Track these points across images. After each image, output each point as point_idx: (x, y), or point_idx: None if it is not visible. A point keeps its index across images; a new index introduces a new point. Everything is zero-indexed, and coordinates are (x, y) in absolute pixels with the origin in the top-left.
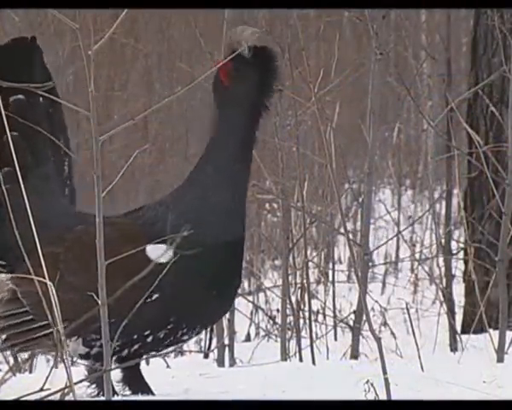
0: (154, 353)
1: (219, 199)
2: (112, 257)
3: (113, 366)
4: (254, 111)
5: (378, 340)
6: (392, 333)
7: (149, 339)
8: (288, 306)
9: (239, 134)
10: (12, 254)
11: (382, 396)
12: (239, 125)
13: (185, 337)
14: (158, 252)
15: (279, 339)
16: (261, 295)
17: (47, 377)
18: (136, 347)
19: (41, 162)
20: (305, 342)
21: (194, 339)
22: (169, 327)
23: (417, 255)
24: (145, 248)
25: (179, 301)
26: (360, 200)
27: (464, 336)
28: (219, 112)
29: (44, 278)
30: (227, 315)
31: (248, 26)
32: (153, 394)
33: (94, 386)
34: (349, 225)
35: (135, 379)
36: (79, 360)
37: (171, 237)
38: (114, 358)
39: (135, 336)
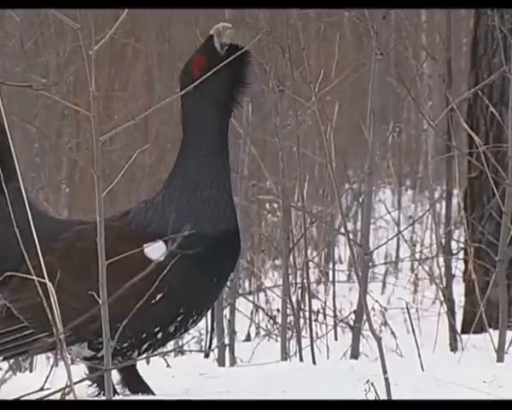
0: (153, 352)
1: (203, 193)
2: (115, 263)
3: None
4: (222, 105)
5: (378, 340)
6: (393, 333)
7: (159, 335)
8: (289, 305)
9: (207, 127)
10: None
11: (382, 396)
12: (206, 118)
13: (193, 326)
14: (157, 251)
15: (279, 339)
16: (261, 294)
17: (47, 377)
18: (145, 346)
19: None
20: (305, 341)
21: (194, 339)
22: (179, 319)
23: (417, 255)
24: (144, 249)
25: (185, 294)
26: (360, 200)
27: (464, 336)
28: (186, 104)
29: (38, 288)
30: (227, 315)
31: (235, 24)
32: (153, 393)
33: (95, 386)
34: (349, 225)
35: (133, 380)
36: (83, 362)
37: (170, 237)
38: (125, 359)
39: (144, 335)
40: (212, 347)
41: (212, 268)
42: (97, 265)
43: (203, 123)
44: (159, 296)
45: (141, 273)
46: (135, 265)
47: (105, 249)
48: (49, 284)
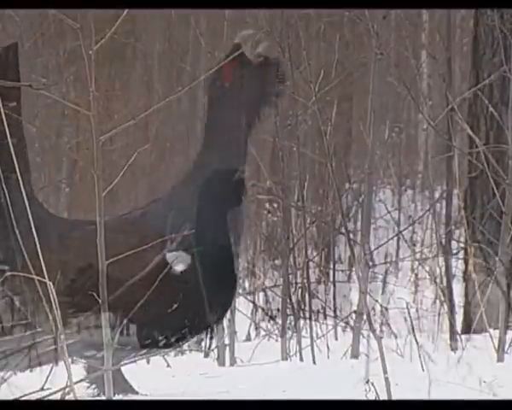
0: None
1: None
2: (137, 266)
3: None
4: (249, 115)
5: (378, 339)
6: (393, 333)
7: (161, 344)
8: (289, 305)
9: (232, 134)
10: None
11: (382, 396)
12: (232, 124)
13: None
14: (176, 259)
15: (279, 339)
16: (261, 294)
17: (47, 377)
18: (144, 351)
19: (27, 169)
20: (305, 341)
21: (194, 338)
22: (183, 332)
23: (417, 255)
24: (165, 255)
25: (195, 307)
26: (360, 200)
27: (464, 336)
28: (213, 109)
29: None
30: (227, 315)
31: (255, 31)
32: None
33: (93, 387)
34: (349, 225)
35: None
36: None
37: (188, 242)
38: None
39: (148, 341)
40: (212, 347)
41: (221, 279)
42: (96, 265)
43: (224, 127)
44: (175, 306)
45: (163, 282)
46: (156, 271)
47: (127, 253)
48: (49, 283)
